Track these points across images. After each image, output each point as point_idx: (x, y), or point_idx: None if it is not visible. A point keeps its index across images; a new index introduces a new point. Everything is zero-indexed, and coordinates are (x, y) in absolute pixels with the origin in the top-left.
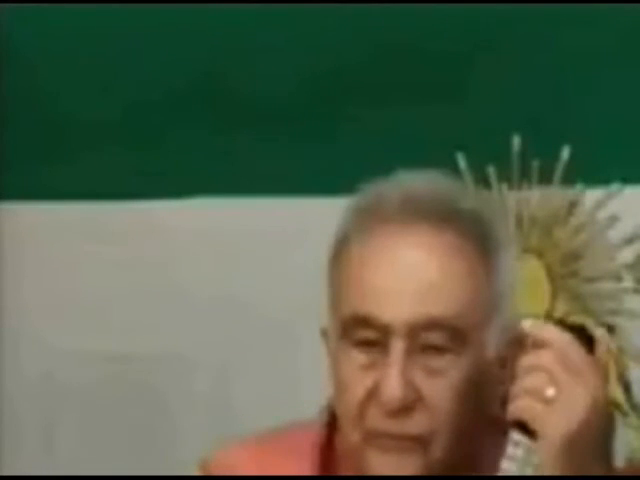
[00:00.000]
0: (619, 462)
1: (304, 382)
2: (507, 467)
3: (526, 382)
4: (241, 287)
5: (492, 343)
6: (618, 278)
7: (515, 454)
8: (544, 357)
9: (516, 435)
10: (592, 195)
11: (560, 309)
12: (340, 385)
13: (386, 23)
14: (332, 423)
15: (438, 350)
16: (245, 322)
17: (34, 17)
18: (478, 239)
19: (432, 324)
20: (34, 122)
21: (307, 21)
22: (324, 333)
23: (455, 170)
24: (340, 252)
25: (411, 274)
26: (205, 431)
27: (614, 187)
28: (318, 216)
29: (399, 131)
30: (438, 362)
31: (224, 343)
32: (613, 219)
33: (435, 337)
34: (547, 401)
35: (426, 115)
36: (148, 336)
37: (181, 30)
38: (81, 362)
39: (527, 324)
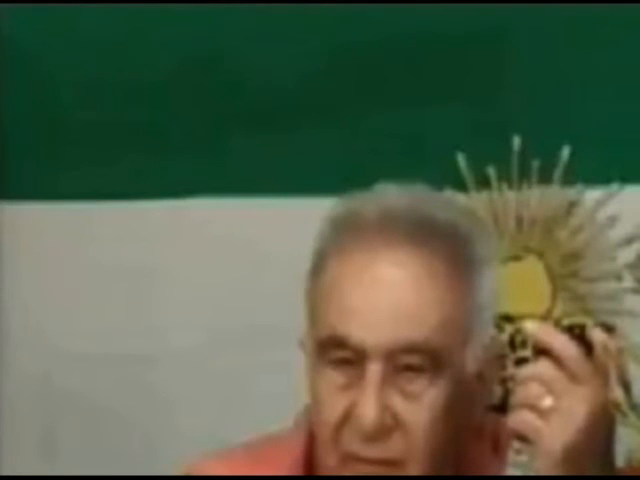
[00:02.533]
0: (619, 462)
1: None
2: (511, 473)
3: (523, 393)
4: (241, 287)
5: (472, 360)
6: (618, 278)
7: (518, 461)
8: (542, 367)
9: (517, 443)
10: (592, 195)
11: (560, 309)
12: (317, 404)
13: (387, 23)
14: (312, 435)
15: (415, 372)
16: (245, 322)
17: (35, 17)
18: (457, 257)
19: (410, 347)
20: (34, 122)
21: (308, 21)
22: (302, 344)
23: (455, 170)
24: (317, 268)
25: (388, 295)
26: (207, 431)
27: (614, 187)
28: (319, 216)
29: (400, 131)
30: (415, 384)
31: (225, 343)
32: (613, 219)
33: (413, 360)
34: (544, 412)
35: (426, 115)
36: (148, 337)
37: (182, 31)
38: (81, 363)
39: (529, 326)
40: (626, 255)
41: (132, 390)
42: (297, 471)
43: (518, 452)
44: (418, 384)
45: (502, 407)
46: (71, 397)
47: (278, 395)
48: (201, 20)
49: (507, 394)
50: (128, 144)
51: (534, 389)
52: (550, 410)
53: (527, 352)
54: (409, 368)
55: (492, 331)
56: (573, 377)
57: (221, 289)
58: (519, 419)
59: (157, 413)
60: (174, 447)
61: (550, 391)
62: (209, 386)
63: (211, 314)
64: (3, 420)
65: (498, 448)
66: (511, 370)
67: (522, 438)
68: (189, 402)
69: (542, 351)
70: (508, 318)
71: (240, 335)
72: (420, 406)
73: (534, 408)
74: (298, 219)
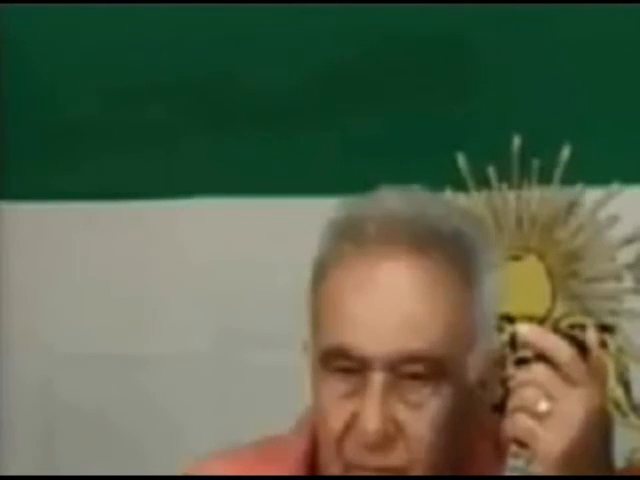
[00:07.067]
0: (619, 462)
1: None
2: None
3: (519, 398)
4: (241, 288)
5: (474, 367)
6: (618, 278)
7: (515, 465)
8: (537, 371)
9: (514, 447)
10: (592, 195)
11: (560, 309)
12: (320, 412)
13: (388, 23)
14: (315, 435)
15: (418, 381)
16: (247, 324)
17: (35, 17)
18: (460, 265)
19: (413, 357)
20: (35, 122)
21: (308, 23)
22: (305, 347)
23: (455, 170)
24: (318, 276)
25: (391, 305)
26: (209, 433)
27: (614, 187)
28: (319, 216)
29: (400, 131)
30: (418, 394)
31: (225, 343)
32: (613, 219)
33: (415, 369)
34: (540, 416)
35: (426, 115)
36: (149, 339)
37: (183, 31)
38: (81, 365)
39: (523, 329)
40: (626, 255)
41: (133, 392)
42: (299, 471)
43: (515, 456)
44: (421, 393)
45: (502, 407)
46: (72, 400)
47: (280, 397)
48: (201, 21)
49: (507, 394)
50: (128, 144)
51: (530, 393)
52: (546, 414)
53: (527, 352)
54: (412, 377)
55: (493, 339)
56: (569, 380)
57: (221, 290)
58: (516, 424)
59: (159, 415)
60: (176, 449)
61: (546, 395)
62: (211, 388)
63: (213, 315)
64: (2, 423)
65: (499, 447)
66: (511, 370)
67: (519, 443)
68: (191, 404)
69: (541, 354)
70: (508, 318)
71: (243, 337)
72: (423, 415)
73: (530, 412)
74: (298, 219)
